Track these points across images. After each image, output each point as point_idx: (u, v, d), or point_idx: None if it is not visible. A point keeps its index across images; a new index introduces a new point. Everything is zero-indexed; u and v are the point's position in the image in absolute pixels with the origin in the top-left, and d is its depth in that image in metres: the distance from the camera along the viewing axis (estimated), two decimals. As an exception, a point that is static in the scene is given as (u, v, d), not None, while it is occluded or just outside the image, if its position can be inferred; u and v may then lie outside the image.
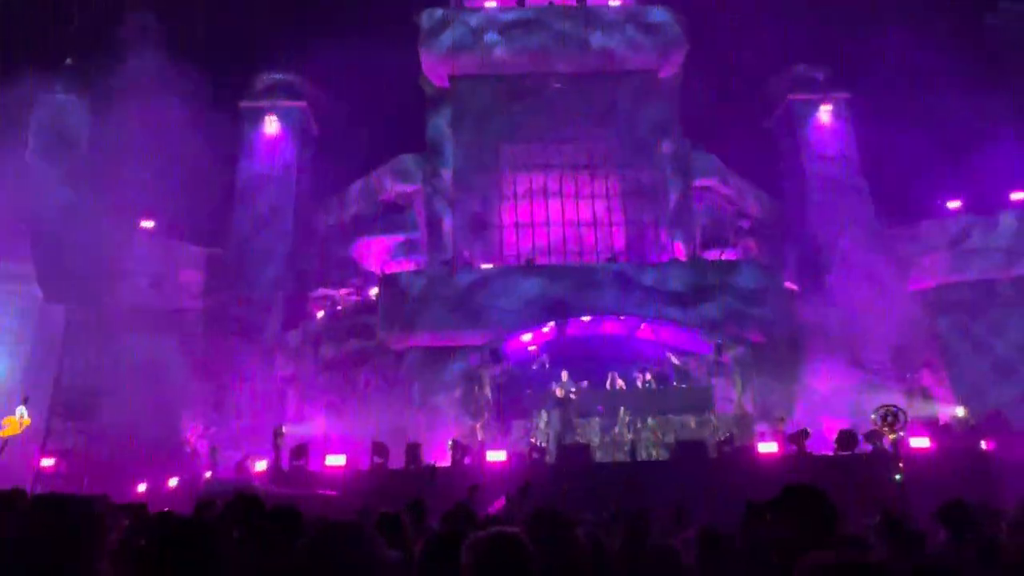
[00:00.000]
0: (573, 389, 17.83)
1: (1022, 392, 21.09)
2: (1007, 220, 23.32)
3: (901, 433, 15.26)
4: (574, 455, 15.37)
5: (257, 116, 26.90)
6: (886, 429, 15.45)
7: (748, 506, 6.01)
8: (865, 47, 26.04)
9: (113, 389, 20.41)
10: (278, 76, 27.45)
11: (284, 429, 17.11)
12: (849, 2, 22.78)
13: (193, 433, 22.87)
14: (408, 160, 25.14)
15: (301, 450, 15.47)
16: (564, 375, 18.66)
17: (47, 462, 18.63)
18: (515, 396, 19.22)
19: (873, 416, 16.25)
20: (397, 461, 15.36)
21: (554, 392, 17.68)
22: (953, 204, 23.94)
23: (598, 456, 16.26)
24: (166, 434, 21.37)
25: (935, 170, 23.82)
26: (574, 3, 25.60)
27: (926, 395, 18.83)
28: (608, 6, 25.81)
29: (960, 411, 19.28)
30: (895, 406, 16.25)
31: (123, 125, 21.01)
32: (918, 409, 18.54)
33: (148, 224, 23.24)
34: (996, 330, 22.69)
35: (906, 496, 11.58)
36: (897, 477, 13.40)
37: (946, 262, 23.55)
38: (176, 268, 24.03)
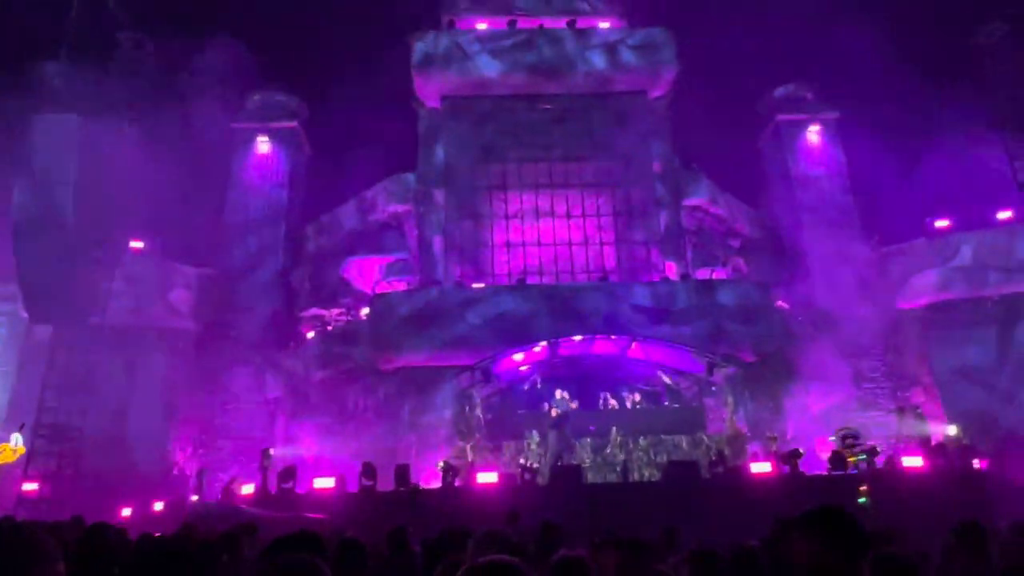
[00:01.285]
0: (573, 405, 17.76)
1: (1012, 410, 21.06)
2: (995, 238, 23.47)
3: (862, 456, 15.16)
4: (566, 476, 15.22)
5: (249, 136, 26.94)
6: (846, 451, 15.42)
7: (777, 522, 6.10)
8: (853, 67, 26.37)
9: (99, 411, 20.19)
10: (270, 96, 27.54)
11: (272, 451, 16.91)
12: (837, 22, 23.08)
13: (181, 455, 22.61)
14: (400, 180, 25.18)
15: (289, 472, 15.25)
16: (559, 393, 18.58)
17: (29, 486, 18.34)
18: (507, 416, 19.09)
19: (832, 438, 16.23)
20: (387, 483, 15.18)
21: (550, 413, 17.60)
22: (942, 223, 24.10)
23: (590, 477, 16.12)
24: (154, 456, 21.13)
25: (924, 189, 24.02)
26: (565, 25, 25.86)
27: (918, 413, 18.78)
28: (599, 28, 26.09)
29: (952, 429, 19.23)
30: (852, 429, 16.17)
31: (114, 144, 20.97)
32: (911, 428, 18.49)
33: (138, 244, 23.13)
34: (986, 348, 22.73)
35: (876, 517, 11.35)
36: (861, 500, 13.08)
37: (936, 280, 23.65)
38: (166, 288, 23.88)
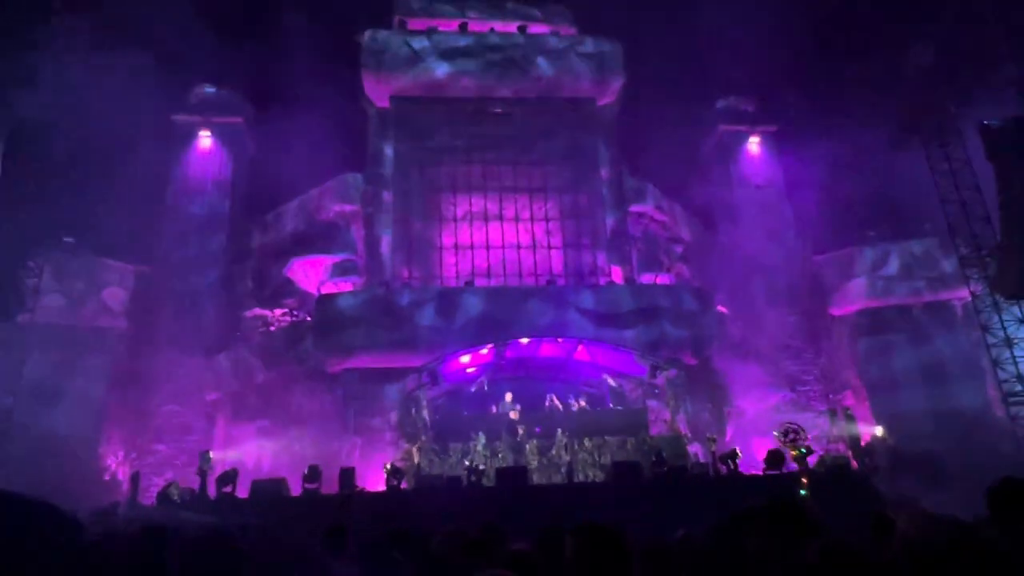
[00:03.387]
0: (513, 414, 17.87)
1: (935, 411, 22.23)
2: (921, 248, 24.74)
3: (803, 450, 15.89)
4: (511, 478, 15.33)
5: (191, 130, 26.15)
6: (788, 445, 16.12)
7: (731, 517, 6.27)
8: (792, 82, 27.36)
9: (25, 411, 19.29)
10: (214, 90, 26.80)
11: (212, 454, 16.48)
12: (780, 38, 23.95)
13: (113, 459, 21.77)
14: (348, 180, 24.87)
15: (229, 476, 14.90)
16: (508, 396, 18.70)
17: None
18: (453, 418, 19.09)
19: (776, 433, 16.92)
20: (332, 486, 15.00)
21: (508, 414, 17.72)
22: (871, 233, 25.29)
23: (535, 478, 16.27)
24: (84, 459, 20.30)
25: (856, 199, 25.11)
26: (516, 30, 26.07)
27: (848, 415, 19.64)
28: (549, 34, 26.39)
29: (879, 431, 20.17)
30: (794, 423, 16.92)
31: (46, 135, 20.06)
32: (842, 429, 19.32)
33: (70, 239, 22.18)
34: (912, 353, 23.91)
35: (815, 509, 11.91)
36: (802, 492, 13.79)
37: (865, 288, 24.76)
38: (99, 285, 22.97)
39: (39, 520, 2.22)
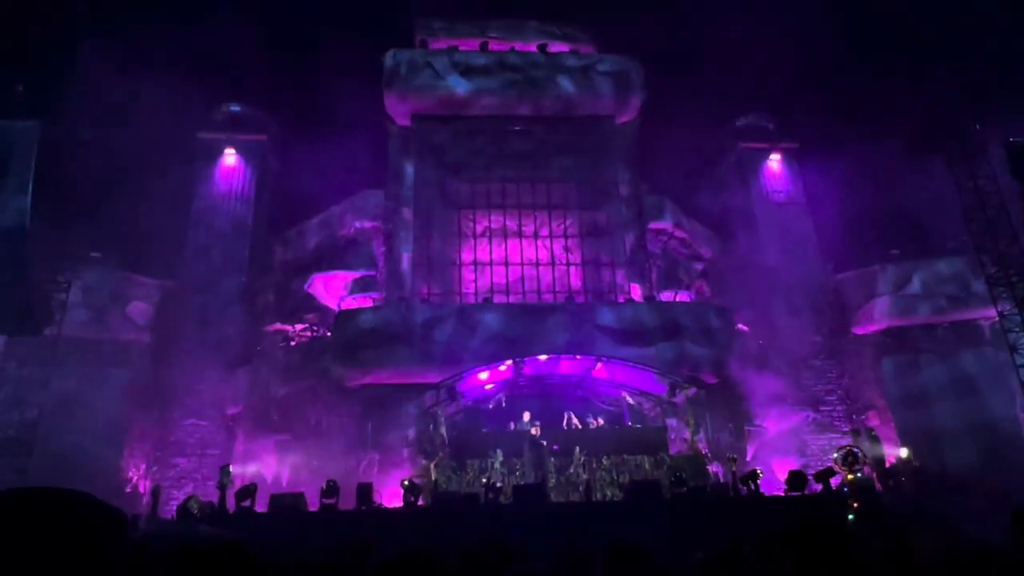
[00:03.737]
0: (534, 431, 17.78)
1: (959, 432, 21.76)
2: (946, 266, 24.36)
3: (860, 475, 15.83)
4: (529, 495, 15.22)
5: (216, 148, 26.63)
6: (845, 469, 16.07)
7: (768, 536, 6.24)
8: (814, 99, 27.29)
9: (50, 425, 19.56)
10: (239, 108, 27.31)
11: (231, 468, 16.56)
12: (801, 55, 23.96)
13: (135, 472, 21.98)
14: (368, 197, 25.16)
15: (248, 490, 14.96)
16: (526, 416, 18.62)
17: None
18: (471, 435, 19.04)
19: (835, 456, 16.83)
20: (349, 502, 15.00)
21: (529, 431, 17.65)
22: (895, 251, 24.98)
23: (552, 496, 16.14)
24: (106, 473, 20.51)
25: (879, 217, 24.88)
26: (536, 49, 26.30)
27: (873, 436, 19.29)
28: (569, 53, 26.58)
29: (904, 452, 19.80)
30: (856, 447, 16.87)
31: (74, 153, 20.52)
32: (866, 449, 18.98)
33: (96, 255, 22.60)
34: (936, 373, 23.48)
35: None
36: (851, 517, 13.72)
37: (889, 307, 24.41)
38: (125, 300, 23.34)
39: (90, 514, 2.29)
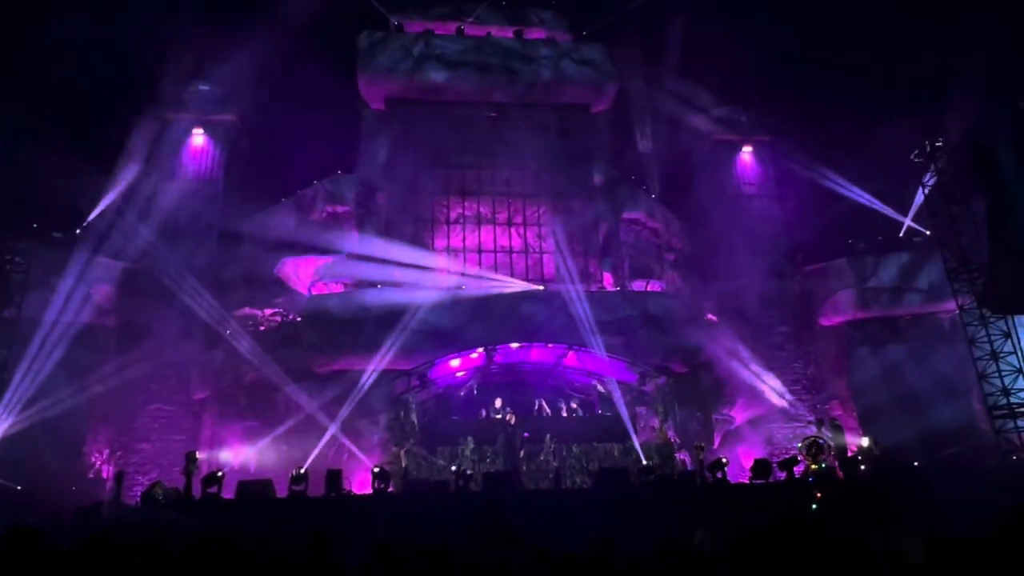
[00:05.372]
0: (510, 418, 17.86)
1: (921, 423, 22.35)
2: (910, 260, 24.90)
3: (824, 465, 16.20)
4: (499, 483, 15.31)
5: (184, 127, 25.96)
6: (810, 459, 16.46)
7: (747, 535, 6.37)
8: (786, 93, 27.52)
9: (9, 410, 19.10)
10: (208, 88, 26.64)
11: (198, 454, 16.34)
12: (775, 48, 24.17)
13: (98, 457, 21.57)
14: (340, 180, 24.83)
15: (214, 477, 14.79)
16: (498, 402, 18.67)
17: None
18: (442, 422, 19.05)
19: (800, 446, 17.20)
20: (319, 488, 14.93)
21: (501, 418, 17.72)
22: (861, 244, 25.47)
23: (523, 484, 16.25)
24: (68, 457, 20.11)
25: (846, 211, 25.29)
26: (512, 35, 26.13)
27: (836, 425, 19.71)
28: (545, 40, 26.47)
29: (865, 441, 20.25)
30: (820, 437, 17.26)
31: (38, 132, 19.91)
32: (828, 439, 19.39)
33: (58, 235, 21.99)
34: (899, 365, 24.06)
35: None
36: (814, 506, 14.03)
37: (854, 299, 24.90)
38: (88, 282, 22.76)
39: None
